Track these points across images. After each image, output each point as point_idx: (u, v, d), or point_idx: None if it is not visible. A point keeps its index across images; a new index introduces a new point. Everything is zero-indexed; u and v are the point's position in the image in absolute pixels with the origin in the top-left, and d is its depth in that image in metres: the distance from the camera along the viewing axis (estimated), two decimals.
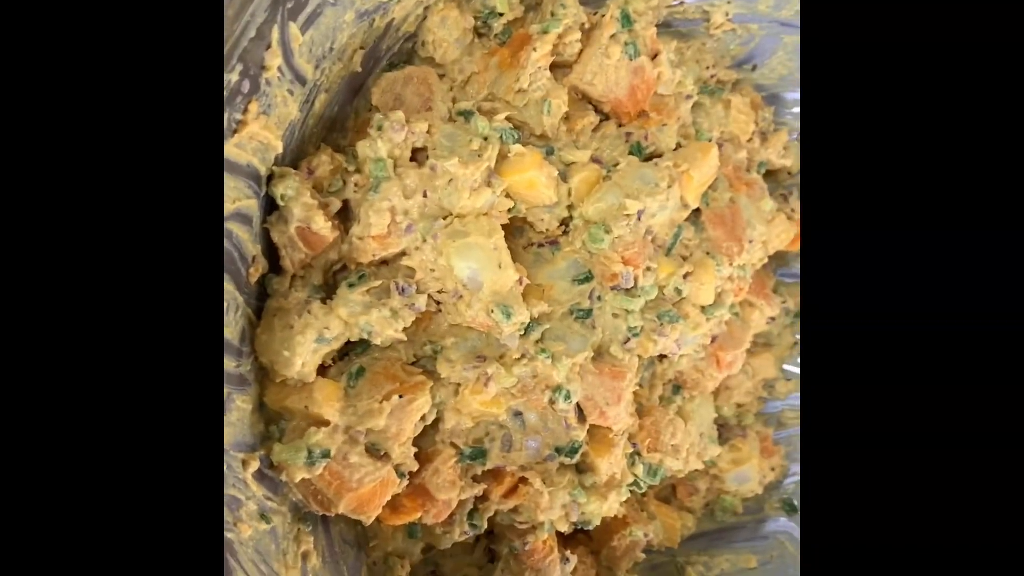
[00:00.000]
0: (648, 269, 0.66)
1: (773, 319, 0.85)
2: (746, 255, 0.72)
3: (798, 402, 0.92)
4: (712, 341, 0.74)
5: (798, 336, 0.93)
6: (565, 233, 0.68)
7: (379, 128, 0.62)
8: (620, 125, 0.72)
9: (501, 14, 0.70)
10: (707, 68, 0.80)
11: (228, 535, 0.54)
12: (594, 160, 0.69)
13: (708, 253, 0.71)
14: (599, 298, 0.66)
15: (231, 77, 0.51)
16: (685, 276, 0.68)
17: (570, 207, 0.67)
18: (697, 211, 0.72)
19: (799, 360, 0.93)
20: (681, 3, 0.79)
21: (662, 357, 0.73)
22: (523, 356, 0.63)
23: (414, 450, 0.63)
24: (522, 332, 0.63)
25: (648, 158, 0.71)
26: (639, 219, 0.65)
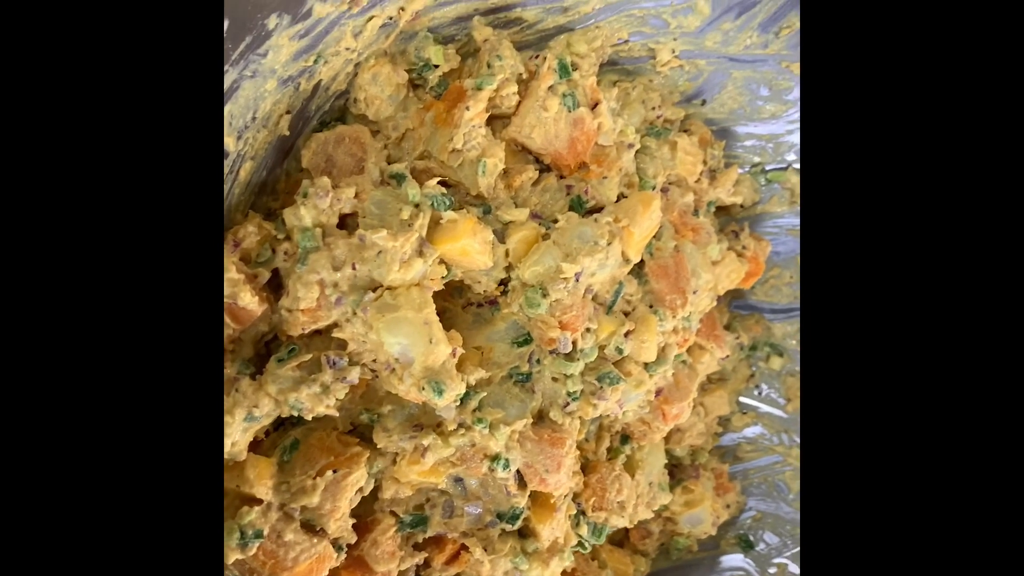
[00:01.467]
0: (588, 331, 0.65)
1: (726, 358, 0.84)
2: (690, 306, 0.71)
3: (755, 435, 0.91)
4: (657, 394, 0.73)
5: (755, 368, 0.92)
6: (504, 293, 0.66)
7: (304, 195, 0.60)
8: (561, 178, 0.71)
9: (436, 66, 0.68)
10: (653, 108, 0.79)
11: None
12: (534, 216, 0.68)
13: (651, 306, 0.70)
14: (538, 361, 0.65)
15: None
16: (626, 334, 0.67)
17: (508, 268, 0.66)
18: (640, 263, 0.71)
19: (756, 392, 0.92)
20: (626, 42, 0.77)
21: (604, 414, 0.72)
22: (460, 426, 0.62)
23: (352, 521, 0.62)
24: (458, 403, 0.62)
25: (590, 212, 0.70)
26: (577, 281, 0.64)
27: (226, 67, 0.53)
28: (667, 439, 0.82)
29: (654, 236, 0.72)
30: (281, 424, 0.65)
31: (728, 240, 0.83)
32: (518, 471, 0.65)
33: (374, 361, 0.61)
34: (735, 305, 0.92)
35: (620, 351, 0.67)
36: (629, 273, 0.70)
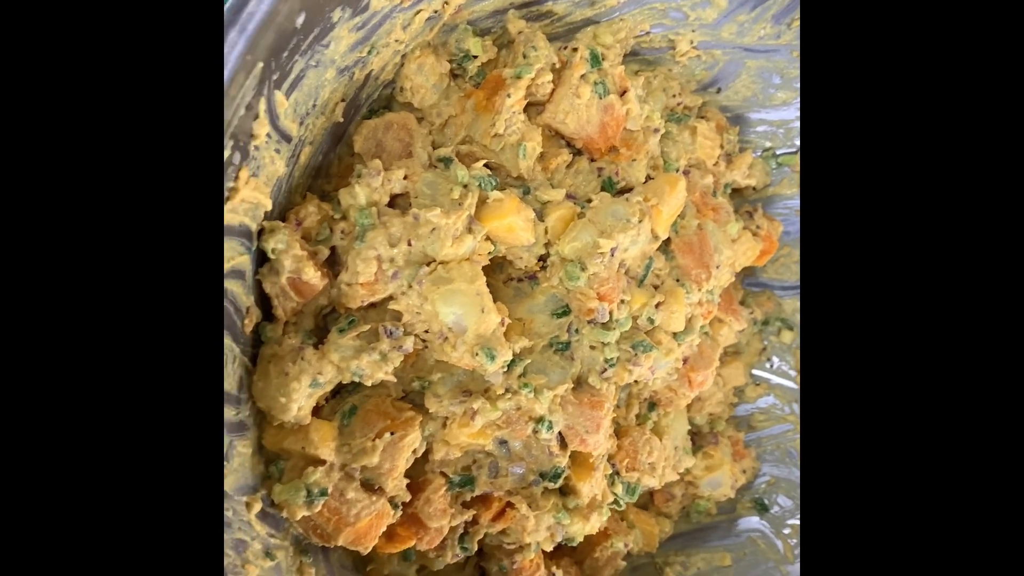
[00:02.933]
0: (622, 302, 0.70)
1: (742, 331, 0.89)
2: (714, 280, 0.76)
3: (767, 404, 0.97)
4: (684, 363, 0.78)
5: (767, 342, 0.97)
6: (543, 268, 0.71)
7: (359, 176, 0.65)
8: (592, 160, 0.75)
9: (475, 57, 0.72)
10: (674, 96, 0.84)
11: None
12: (569, 197, 0.72)
13: (678, 280, 0.75)
14: (577, 331, 0.70)
15: (226, 153, 0.53)
16: (657, 306, 0.72)
17: (547, 244, 0.70)
18: (667, 240, 0.76)
19: (768, 365, 0.98)
20: (647, 33, 0.82)
21: (637, 380, 0.77)
22: (507, 391, 0.67)
23: (406, 481, 0.67)
24: (505, 369, 0.66)
25: (620, 192, 0.75)
26: (612, 255, 0.69)
27: (296, 57, 0.58)
28: (688, 408, 0.87)
29: (679, 216, 0.76)
30: (337, 392, 0.69)
31: (743, 220, 0.88)
32: (559, 433, 0.69)
33: (426, 332, 0.65)
34: (747, 283, 0.97)
35: (652, 321, 0.72)
36: (657, 250, 0.75)
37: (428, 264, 0.64)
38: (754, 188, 0.92)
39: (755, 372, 0.97)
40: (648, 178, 0.76)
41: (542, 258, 0.71)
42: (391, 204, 0.67)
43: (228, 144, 0.54)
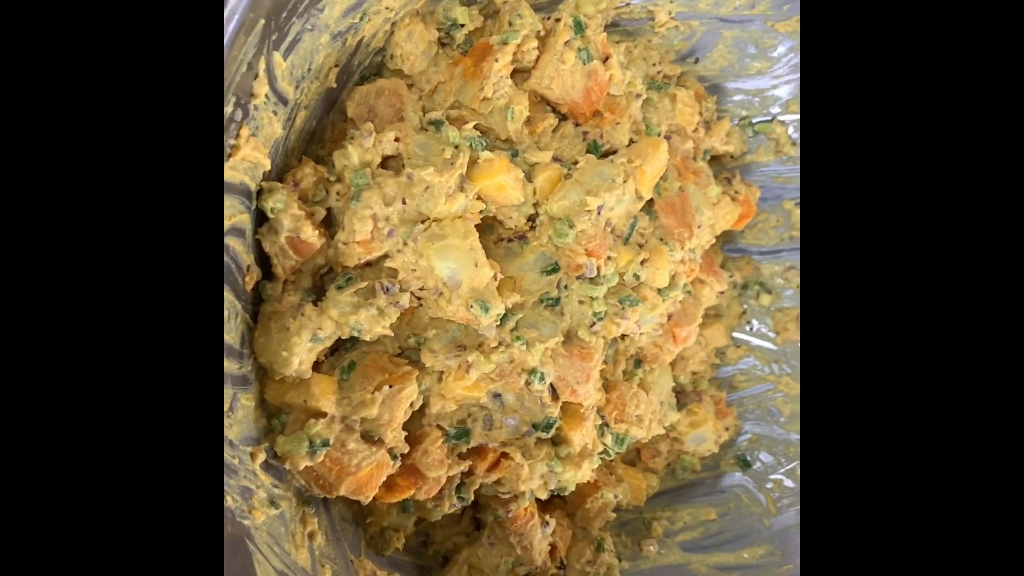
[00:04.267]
0: (609, 259, 0.72)
1: (722, 293, 0.92)
2: (696, 239, 0.79)
3: (748, 366, 1.00)
4: (668, 319, 0.81)
5: (746, 305, 1.00)
6: (532, 228, 0.74)
7: (351, 138, 0.67)
8: (577, 125, 0.78)
9: (462, 25, 0.75)
10: (653, 64, 0.87)
11: (245, 522, 0.60)
12: (555, 159, 0.75)
13: (662, 239, 0.78)
14: (566, 287, 0.73)
15: (227, 110, 0.55)
16: (642, 263, 0.75)
17: (536, 205, 0.73)
18: (650, 201, 0.79)
19: (748, 327, 1.01)
20: (627, 4, 0.84)
21: (624, 336, 0.79)
22: (500, 344, 0.69)
23: (404, 434, 0.69)
24: (498, 322, 0.69)
25: (604, 155, 0.77)
26: (599, 214, 0.71)
27: (293, 19, 0.60)
28: (672, 366, 0.90)
29: (661, 178, 0.79)
30: (336, 350, 0.71)
31: (722, 186, 0.91)
32: (551, 384, 0.72)
33: (421, 289, 0.68)
34: (727, 248, 1.00)
35: (637, 277, 0.75)
36: (641, 210, 0.77)
37: (423, 222, 0.67)
38: (732, 155, 0.96)
39: (735, 335, 1.01)
40: (631, 142, 0.79)
41: (531, 218, 0.74)
42: (384, 166, 0.69)
43: (230, 101, 0.56)
